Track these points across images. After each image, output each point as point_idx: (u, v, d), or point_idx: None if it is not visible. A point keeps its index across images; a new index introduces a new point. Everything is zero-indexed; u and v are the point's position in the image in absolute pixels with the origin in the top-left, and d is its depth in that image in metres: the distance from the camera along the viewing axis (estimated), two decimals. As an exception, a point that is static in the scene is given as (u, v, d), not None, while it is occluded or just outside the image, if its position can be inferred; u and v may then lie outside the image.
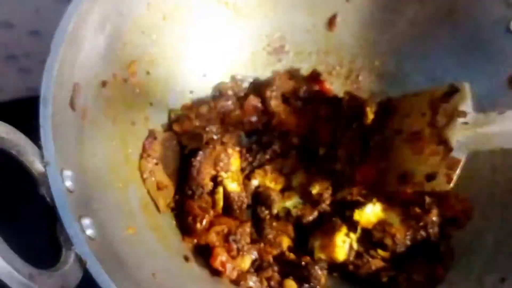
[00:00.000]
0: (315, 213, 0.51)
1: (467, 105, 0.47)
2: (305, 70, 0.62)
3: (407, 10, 0.58)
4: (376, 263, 0.50)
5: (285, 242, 0.51)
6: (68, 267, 0.33)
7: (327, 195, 0.52)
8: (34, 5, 0.57)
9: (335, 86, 0.62)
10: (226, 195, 0.50)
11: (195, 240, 0.49)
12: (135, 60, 0.50)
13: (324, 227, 0.51)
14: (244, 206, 0.51)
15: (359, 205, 0.51)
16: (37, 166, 0.36)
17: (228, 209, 0.51)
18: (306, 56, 0.62)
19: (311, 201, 0.52)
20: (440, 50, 0.57)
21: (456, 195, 0.52)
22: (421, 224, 0.50)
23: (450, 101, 0.48)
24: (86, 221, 0.36)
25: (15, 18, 0.58)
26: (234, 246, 0.48)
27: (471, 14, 0.55)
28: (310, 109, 0.57)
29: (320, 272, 0.48)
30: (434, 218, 0.51)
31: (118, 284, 0.34)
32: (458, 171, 0.45)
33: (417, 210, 0.51)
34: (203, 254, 0.49)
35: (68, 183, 0.37)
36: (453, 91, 0.48)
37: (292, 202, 0.53)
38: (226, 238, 0.49)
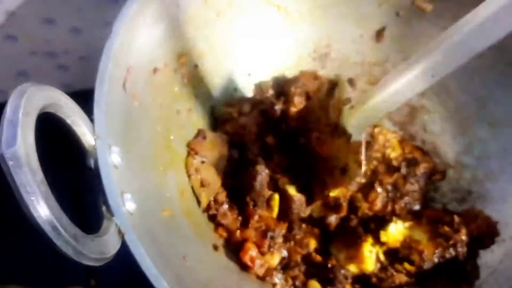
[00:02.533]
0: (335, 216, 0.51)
1: (347, 92, 0.48)
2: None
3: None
4: (400, 278, 0.50)
5: (312, 244, 0.51)
6: (108, 236, 0.34)
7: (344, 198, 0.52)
8: (76, 3, 0.58)
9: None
10: (288, 199, 0.50)
11: (225, 234, 0.50)
12: (186, 53, 0.52)
13: (349, 237, 0.51)
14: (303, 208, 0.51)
15: (382, 222, 0.51)
16: (88, 138, 0.38)
17: (286, 212, 0.50)
18: (350, 65, 0.62)
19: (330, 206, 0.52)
20: (485, 71, 0.57)
21: (484, 216, 0.52)
22: (451, 242, 0.50)
23: (334, 96, 0.49)
24: (127, 196, 0.38)
25: (57, 15, 0.59)
26: (267, 243, 0.49)
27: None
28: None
29: (344, 277, 0.48)
30: (464, 237, 0.50)
31: (151, 258, 0.35)
32: (363, 152, 0.46)
33: (446, 228, 0.51)
34: (233, 246, 0.50)
35: (115, 159, 0.39)
36: (332, 86, 0.50)
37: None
38: (264, 234, 0.50)
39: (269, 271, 0.48)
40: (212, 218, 0.51)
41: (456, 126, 0.59)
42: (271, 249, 0.49)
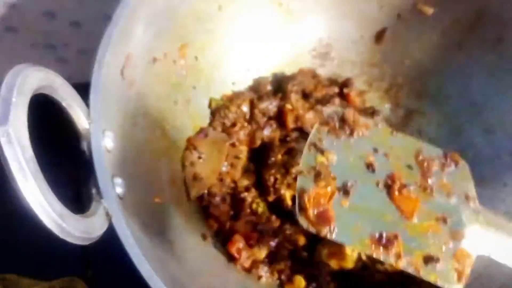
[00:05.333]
0: None
1: (471, 190, 0.41)
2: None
3: (455, 34, 0.58)
4: (380, 277, 0.50)
5: (301, 241, 0.52)
6: (95, 217, 0.35)
7: None
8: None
9: (373, 98, 0.62)
10: None
11: (216, 225, 0.51)
12: (187, 44, 0.53)
13: None
14: None
15: None
16: (82, 122, 0.39)
17: None
18: (349, 65, 0.63)
19: None
20: (483, 76, 0.57)
21: None
22: None
23: (445, 172, 0.43)
24: (117, 180, 0.39)
25: (58, 8, 0.59)
26: (256, 237, 0.50)
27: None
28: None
29: (328, 274, 0.49)
30: None
31: (138, 242, 0.36)
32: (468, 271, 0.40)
33: None
34: (222, 237, 0.51)
35: (108, 143, 0.39)
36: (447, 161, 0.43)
37: None
38: (253, 227, 0.50)
39: (255, 264, 0.49)
40: (204, 209, 0.51)
41: (451, 130, 0.59)
42: (260, 243, 0.49)
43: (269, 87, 0.59)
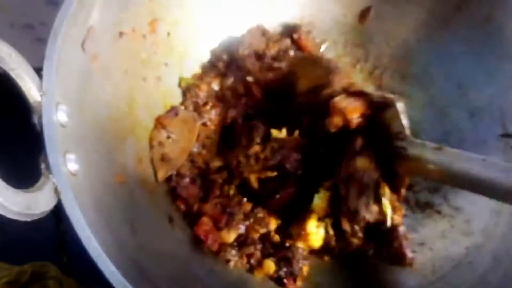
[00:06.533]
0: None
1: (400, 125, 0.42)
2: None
3: (442, 13, 0.56)
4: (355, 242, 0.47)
5: (273, 224, 0.50)
6: (40, 193, 0.34)
7: None
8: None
9: (357, 80, 0.60)
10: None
11: (183, 207, 0.49)
12: (158, 19, 0.51)
13: (300, 215, 0.49)
14: None
15: None
16: (33, 94, 0.37)
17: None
18: (331, 45, 0.61)
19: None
20: (470, 57, 0.55)
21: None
22: None
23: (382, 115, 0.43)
24: (71, 156, 0.37)
25: None
26: (225, 219, 0.48)
27: (507, 24, 0.52)
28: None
29: (302, 257, 0.47)
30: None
31: (88, 221, 0.34)
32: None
33: None
34: (189, 220, 0.49)
35: (62, 117, 0.37)
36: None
37: None
38: (223, 210, 0.48)
39: (223, 247, 0.47)
40: (172, 190, 0.50)
41: (436, 113, 0.57)
42: (228, 226, 0.47)
43: (224, 57, 0.56)
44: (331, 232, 0.46)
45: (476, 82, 0.55)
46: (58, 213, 0.55)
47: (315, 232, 0.46)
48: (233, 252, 0.47)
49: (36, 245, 0.54)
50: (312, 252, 0.49)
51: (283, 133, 0.49)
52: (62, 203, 0.34)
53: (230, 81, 0.54)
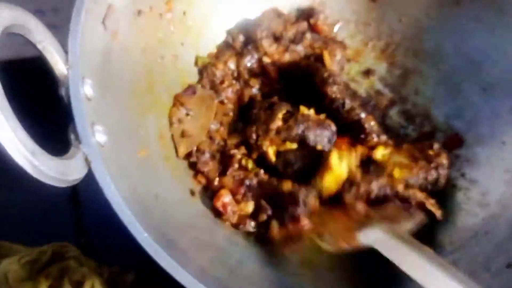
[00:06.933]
0: None
1: None
2: (340, 38, 0.61)
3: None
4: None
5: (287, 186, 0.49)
6: (73, 161, 0.34)
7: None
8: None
9: (369, 58, 0.61)
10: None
11: (204, 181, 0.50)
12: (174, -2, 0.52)
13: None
14: None
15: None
16: (60, 67, 0.37)
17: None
18: (344, 24, 0.61)
19: None
20: (482, 33, 0.55)
21: None
22: (432, 165, 0.50)
23: None
24: (98, 127, 0.38)
25: None
26: (243, 191, 0.48)
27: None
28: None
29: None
30: (444, 161, 0.50)
31: (119, 189, 0.35)
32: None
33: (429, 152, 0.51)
34: (210, 194, 0.49)
35: (88, 90, 0.38)
36: None
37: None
38: (241, 182, 0.49)
39: (242, 219, 0.48)
40: (192, 166, 0.50)
41: (448, 89, 0.57)
42: (246, 197, 0.48)
43: (241, 37, 0.57)
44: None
45: (488, 58, 0.55)
46: (76, 198, 0.56)
47: (338, 164, 0.47)
48: (252, 224, 0.48)
49: (54, 229, 0.55)
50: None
51: (311, 111, 0.50)
52: (93, 171, 0.35)
53: (246, 60, 0.55)
